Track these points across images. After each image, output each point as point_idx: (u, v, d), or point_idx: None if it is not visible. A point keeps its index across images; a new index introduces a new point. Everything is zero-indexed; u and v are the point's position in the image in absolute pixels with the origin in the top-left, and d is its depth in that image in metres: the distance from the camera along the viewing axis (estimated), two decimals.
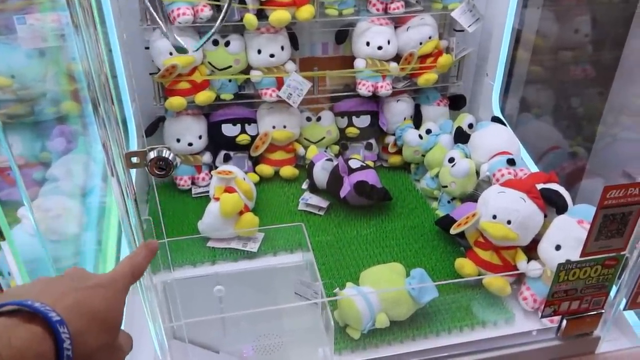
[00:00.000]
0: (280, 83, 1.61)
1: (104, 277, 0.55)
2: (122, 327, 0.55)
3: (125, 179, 0.77)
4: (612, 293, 1.06)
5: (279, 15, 1.48)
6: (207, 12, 1.47)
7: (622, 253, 0.99)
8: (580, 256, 0.97)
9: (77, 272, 0.55)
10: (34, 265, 0.97)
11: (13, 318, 0.44)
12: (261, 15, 1.53)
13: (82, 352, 0.46)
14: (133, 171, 0.80)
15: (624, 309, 1.07)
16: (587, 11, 1.77)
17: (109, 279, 0.55)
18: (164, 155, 0.68)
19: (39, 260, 1.00)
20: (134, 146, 1.57)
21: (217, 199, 1.41)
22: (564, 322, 1.07)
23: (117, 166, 0.76)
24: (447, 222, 1.40)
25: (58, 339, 0.44)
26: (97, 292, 0.52)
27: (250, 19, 1.48)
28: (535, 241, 1.25)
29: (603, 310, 1.07)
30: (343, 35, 1.64)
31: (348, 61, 1.69)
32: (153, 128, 1.63)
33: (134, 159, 0.69)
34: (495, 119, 1.62)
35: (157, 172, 0.68)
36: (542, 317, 1.06)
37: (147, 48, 1.55)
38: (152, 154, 0.68)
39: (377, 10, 1.61)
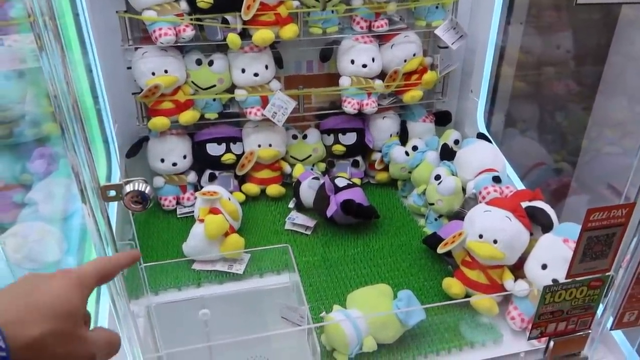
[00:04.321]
0: (265, 102, 1.60)
1: (57, 271, 0.54)
2: None
3: (99, 207, 0.75)
4: (599, 312, 1.06)
5: (262, 35, 1.47)
6: (189, 32, 1.46)
7: (607, 274, 0.99)
8: (566, 278, 0.97)
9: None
10: None
11: None
12: (245, 34, 1.52)
13: (24, 340, 0.47)
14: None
15: (611, 329, 1.07)
16: (569, 27, 1.79)
17: (63, 271, 0.54)
18: (139, 188, 0.66)
19: None
20: (116, 167, 1.55)
21: (202, 221, 1.39)
22: (552, 343, 1.06)
23: (89, 192, 0.74)
24: (434, 240, 1.39)
25: None
26: (42, 282, 0.51)
27: (233, 38, 1.47)
28: (522, 259, 1.24)
29: (590, 331, 1.07)
30: (327, 53, 1.64)
31: (333, 79, 1.69)
32: (136, 148, 1.60)
33: (111, 192, 0.67)
34: (480, 136, 1.63)
35: (133, 206, 0.66)
36: (530, 338, 1.05)
37: (129, 68, 1.53)
38: (128, 188, 0.67)
39: (361, 28, 1.61)
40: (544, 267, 1.17)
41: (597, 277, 0.98)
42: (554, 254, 1.17)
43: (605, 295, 1.02)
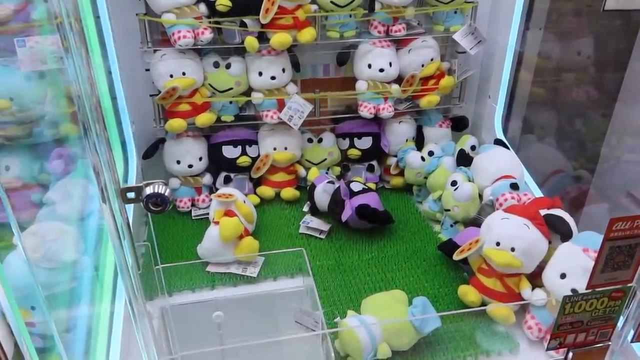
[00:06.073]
0: (281, 105, 1.60)
1: None
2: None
3: (119, 207, 0.75)
4: (620, 324, 1.04)
5: (280, 38, 1.47)
6: (207, 35, 1.47)
7: (629, 285, 0.97)
8: (586, 288, 0.95)
9: None
10: (27, 292, 0.95)
11: None
12: (262, 37, 1.52)
13: None
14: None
15: (632, 341, 1.04)
16: (589, 33, 1.76)
17: None
18: (159, 191, 0.66)
19: (33, 287, 0.99)
20: (133, 168, 1.56)
21: (217, 223, 1.39)
22: (570, 354, 1.04)
23: (110, 192, 0.74)
24: (450, 247, 1.38)
25: None
26: None
27: (251, 41, 1.48)
28: (540, 268, 1.23)
29: (610, 342, 1.05)
30: (344, 57, 1.64)
31: (350, 83, 1.69)
32: (153, 150, 1.61)
33: (130, 194, 0.67)
34: (498, 142, 1.61)
35: (152, 208, 0.66)
36: (548, 349, 1.03)
37: (147, 70, 1.54)
38: (148, 190, 0.67)
39: (379, 32, 1.61)
40: (563, 276, 1.15)
41: (618, 288, 0.96)
42: (573, 263, 1.15)
43: (627, 306, 1.00)
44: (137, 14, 1.49)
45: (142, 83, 1.58)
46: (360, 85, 1.64)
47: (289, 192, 1.69)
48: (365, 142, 1.71)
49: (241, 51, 1.56)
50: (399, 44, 1.66)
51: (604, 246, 0.90)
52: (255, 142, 1.68)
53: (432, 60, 1.65)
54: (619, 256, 0.92)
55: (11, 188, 1.35)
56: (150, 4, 1.46)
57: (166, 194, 0.68)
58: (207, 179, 1.67)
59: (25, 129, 1.38)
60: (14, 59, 1.25)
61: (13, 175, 1.39)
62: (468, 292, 1.25)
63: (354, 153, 1.72)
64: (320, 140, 1.74)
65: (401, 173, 1.73)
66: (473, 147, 1.67)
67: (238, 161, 1.64)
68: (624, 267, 0.94)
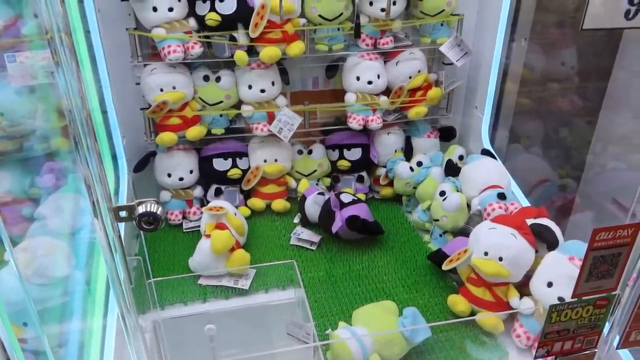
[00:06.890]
0: (271, 117, 1.62)
1: None
2: None
3: (110, 221, 0.76)
4: (605, 331, 1.06)
5: (269, 52, 1.49)
6: (197, 49, 1.48)
7: (613, 293, 0.99)
8: (572, 297, 0.97)
9: None
10: (19, 308, 0.95)
11: None
12: (252, 51, 1.54)
13: None
14: None
15: (617, 348, 1.06)
16: (573, 43, 1.80)
17: None
18: (151, 209, 0.67)
19: (25, 303, 0.98)
20: (124, 182, 1.56)
21: (208, 236, 1.40)
22: None
23: (101, 206, 0.75)
24: (439, 256, 1.40)
25: None
26: None
27: (241, 55, 1.49)
28: (528, 277, 1.25)
29: (596, 349, 1.07)
30: (333, 70, 1.66)
31: (339, 95, 1.71)
32: (144, 163, 1.62)
33: (122, 213, 0.68)
34: (485, 152, 1.64)
35: (145, 226, 0.67)
36: (536, 357, 1.05)
37: (137, 84, 1.55)
38: (140, 209, 0.68)
39: (367, 45, 1.63)
40: (550, 284, 1.17)
41: (603, 296, 0.98)
42: (559, 272, 1.17)
43: (612, 314, 1.02)
44: (127, 29, 1.50)
45: (133, 97, 1.59)
46: (349, 98, 1.66)
47: (279, 204, 1.70)
48: (355, 154, 1.73)
49: (231, 65, 1.57)
50: (386, 56, 1.68)
51: (588, 256, 0.92)
52: (246, 155, 1.69)
53: (419, 72, 1.68)
54: (602, 265, 0.95)
55: (2, 203, 1.35)
56: (140, 18, 1.47)
57: (158, 212, 0.69)
58: (198, 191, 1.68)
59: (15, 144, 1.38)
60: (4, 74, 1.25)
61: (4, 190, 1.39)
62: (457, 302, 1.27)
63: (343, 164, 1.73)
64: (310, 152, 1.75)
65: (390, 183, 1.75)
66: (461, 157, 1.69)
67: (229, 173, 1.65)
68: (607, 275, 0.96)
